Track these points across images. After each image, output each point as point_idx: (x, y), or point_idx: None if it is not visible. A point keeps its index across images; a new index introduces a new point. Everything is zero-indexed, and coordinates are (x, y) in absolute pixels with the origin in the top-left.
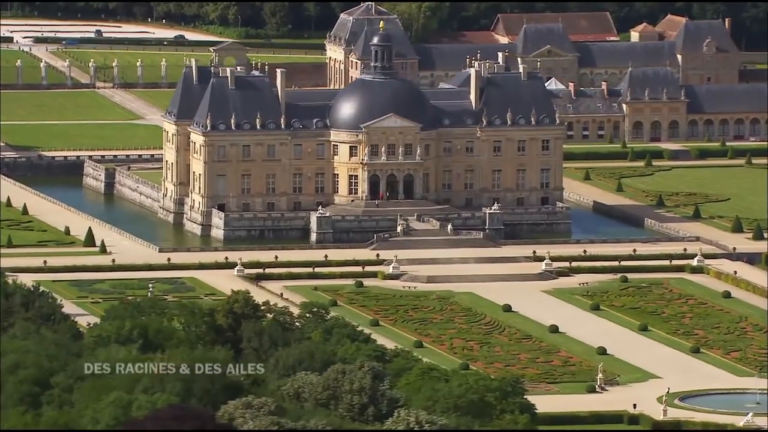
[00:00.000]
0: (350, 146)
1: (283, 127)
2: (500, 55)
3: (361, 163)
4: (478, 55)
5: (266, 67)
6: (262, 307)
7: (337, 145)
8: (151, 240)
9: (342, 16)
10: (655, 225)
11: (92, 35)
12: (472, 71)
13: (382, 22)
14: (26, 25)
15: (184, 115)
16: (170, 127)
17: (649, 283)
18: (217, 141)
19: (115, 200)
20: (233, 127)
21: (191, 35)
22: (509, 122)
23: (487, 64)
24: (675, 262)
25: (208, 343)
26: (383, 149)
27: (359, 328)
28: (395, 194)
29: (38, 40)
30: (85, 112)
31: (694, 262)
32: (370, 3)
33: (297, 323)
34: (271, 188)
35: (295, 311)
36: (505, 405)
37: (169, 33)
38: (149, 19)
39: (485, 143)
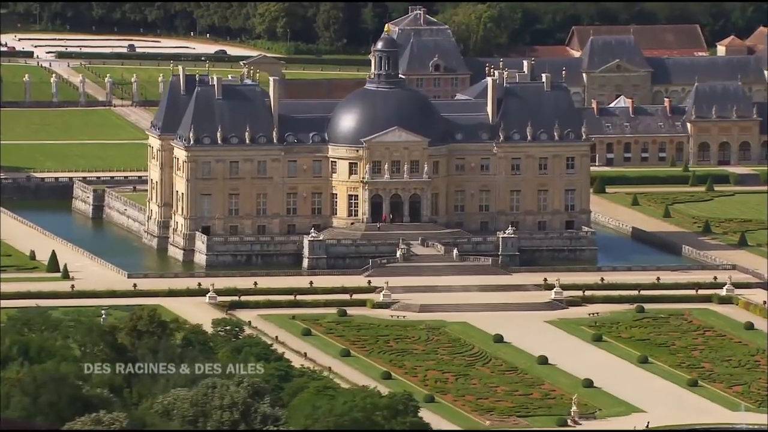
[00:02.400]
0: (350, 163)
1: (275, 141)
2: (525, 63)
3: (362, 181)
4: (501, 63)
5: (258, 75)
6: (171, 325)
7: (335, 162)
8: (126, 266)
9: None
10: (693, 253)
11: (124, 50)
12: (489, 80)
13: (387, 25)
14: (53, 39)
15: (170, 128)
16: (154, 142)
17: (668, 314)
18: (201, 156)
19: (104, 224)
20: (219, 141)
21: (236, 50)
22: (529, 137)
23: (506, 72)
24: (702, 292)
25: (106, 362)
26: (386, 166)
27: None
28: (400, 216)
29: (61, 55)
30: (92, 131)
31: (723, 292)
32: (418, 12)
33: (211, 342)
34: (262, 209)
35: (209, 330)
36: (394, 424)
37: (211, 48)
38: (192, 33)
39: (502, 160)
